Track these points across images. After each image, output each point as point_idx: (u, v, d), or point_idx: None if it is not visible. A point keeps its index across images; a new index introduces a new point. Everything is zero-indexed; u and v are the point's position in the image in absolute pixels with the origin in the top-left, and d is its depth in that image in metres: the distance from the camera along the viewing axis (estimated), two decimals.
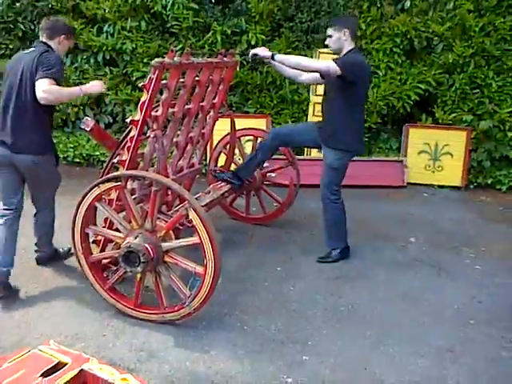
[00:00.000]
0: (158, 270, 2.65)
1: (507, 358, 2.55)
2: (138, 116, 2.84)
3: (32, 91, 2.79)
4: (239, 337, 2.65)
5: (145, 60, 5.81)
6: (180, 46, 5.76)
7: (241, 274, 3.38)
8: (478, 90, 5.58)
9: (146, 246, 2.55)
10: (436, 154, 5.70)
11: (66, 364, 2.21)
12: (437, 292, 3.22)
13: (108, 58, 5.94)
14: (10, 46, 6.21)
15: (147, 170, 3.04)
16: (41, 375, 2.12)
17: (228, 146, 4.08)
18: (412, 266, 3.62)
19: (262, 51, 3.34)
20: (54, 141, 6.33)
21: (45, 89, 2.73)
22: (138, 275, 2.66)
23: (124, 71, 6.02)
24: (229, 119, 3.95)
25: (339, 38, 3.27)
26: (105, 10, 5.80)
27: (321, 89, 5.74)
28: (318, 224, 3.90)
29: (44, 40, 3.02)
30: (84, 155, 6.04)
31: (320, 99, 5.67)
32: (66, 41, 3.09)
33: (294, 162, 4.13)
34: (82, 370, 2.18)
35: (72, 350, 2.33)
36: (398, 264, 3.65)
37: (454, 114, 5.61)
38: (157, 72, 2.75)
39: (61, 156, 6.07)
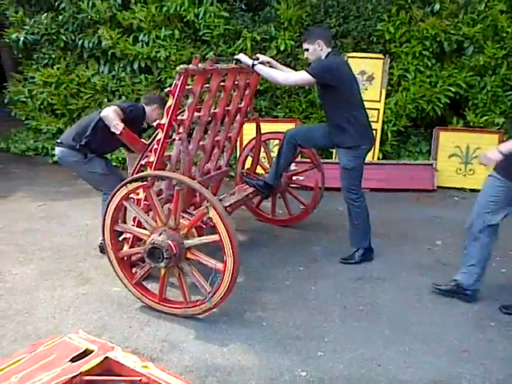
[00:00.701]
0: (181, 266, 2.78)
1: None
2: (164, 120, 2.99)
3: None
4: (258, 332, 2.74)
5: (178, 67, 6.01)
6: (211, 52, 5.95)
7: (263, 273, 3.47)
8: (510, 93, 5.50)
9: (170, 242, 2.68)
10: (467, 157, 5.62)
11: (92, 351, 2.38)
12: None
13: (143, 65, 6.20)
14: (53, 56, 6.57)
15: (174, 171, 3.19)
16: (70, 360, 2.30)
17: (254, 150, 4.19)
18: (436, 268, 3.61)
19: (244, 58, 3.39)
20: None
21: None
22: (162, 271, 2.80)
23: (158, 78, 6.26)
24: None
25: (315, 50, 3.38)
26: (140, 20, 6.05)
27: None
28: (344, 226, 3.93)
29: None
30: (120, 159, 6.30)
31: None
32: None
33: (319, 165, 4.19)
34: (106, 357, 2.34)
35: (98, 339, 2.50)
36: (421, 266, 3.64)
37: (485, 117, 5.54)
38: (181, 78, 2.89)
39: None
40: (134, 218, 3.12)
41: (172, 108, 2.94)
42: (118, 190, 2.80)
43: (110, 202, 2.84)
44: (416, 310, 3.00)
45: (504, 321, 2.89)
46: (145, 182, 2.74)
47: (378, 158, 5.80)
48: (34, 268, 3.48)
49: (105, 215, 2.88)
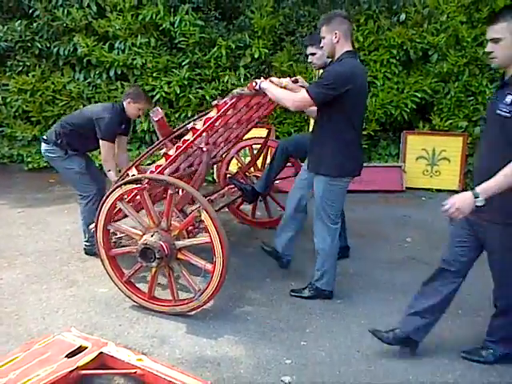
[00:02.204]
0: (171, 266, 2.90)
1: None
2: (199, 125, 2.95)
3: None
4: (243, 326, 2.89)
5: (154, 74, 6.15)
6: (187, 60, 6.08)
7: (246, 271, 3.62)
8: (472, 98, 5.82)
9: (161, 243, 2.79)
10: (433, 159, 5.93)
11: (86, 347, 2.48)
12: None
13: (119, 72, 6.28)
14: (28, 63, 6.56)
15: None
16: (65, 356, 2.39)
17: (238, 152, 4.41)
18: (407, 263, 3.84)
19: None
20: None
21: None
22: (153, 270, 2.91)
23: None
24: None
25: (322, 55, 3.29)
26: (116, 28, 6.13)
27: None
28: None
29: None
30: (97, 165, 6.33)
31: None
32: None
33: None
34: (101, 352, 2.45)
35: (91, 336, 2.60)
36: (393, 262, 3.87)
37: (450, 121, 5.85)
38: (234, 100, 2.83)
39: None
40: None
41: (213, 120, 2.90)
42: (114, 190, 2.89)
43: (104, 201, 2.94)
44: (389, 302, 3.21)
45: (470, 309, 3.12)
46: (139, 185, 2.83)
47: None
48: (19, 272, 3.53)
49: (98, 214, 2.97)
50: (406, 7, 5.92)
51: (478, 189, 2.05)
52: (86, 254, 3.83)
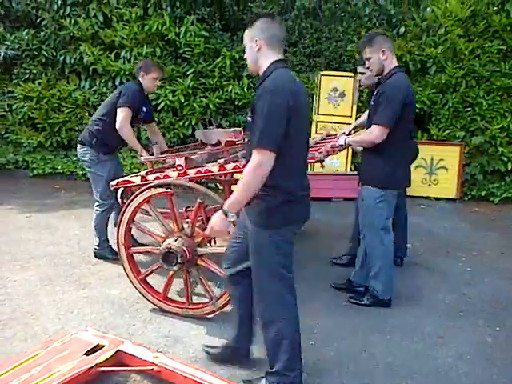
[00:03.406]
0: (190, 270, 2.96)
1: (491, 342, 2.87)
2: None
3: None
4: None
5: (159, 83, 6.25)
6: (192, 70, 6.22)
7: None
8: (469, 108, 5.99)
9: (184, 248, 2.85)
10: (432, 168, 6.08)
11: (103, 346, 2.56)
12: (430, 290, 3.55)
13: (125, 81, 6.39)
14: (34, 71, 6.69)
15: None
16: (84, 354, 2.48)
17: None
18: (408, 268, 3.96)
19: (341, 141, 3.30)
20: (74, 159, 6.73)
21: None
22: (171, 272, 2.97)
23: None
24: None
25: (371, 75, 3.44)
26: (122, 38, 6.27)
27: (324, 108, 6.19)
28: (322, 234, 4.24)
29: None
30: None
31: (322, 118, 6.11)
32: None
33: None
34: (118, 350, 2.53)
35: (107, 335, 2.69)
36: (396, 267, 3.97)
37: (447, 131, 6.02)
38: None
39: (80, 172, 6.51)
40: None
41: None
42: (143, 191, 2.94)
43: (131, 201, 2.98)
44: (393, 304, 3.31)
45: (470, 311, 3.24)
46: (169, 190, 2.90)
47: (350, 169, 6.18)
48: (32, 275, 3.62)
49: (123, 213, 3.02)
50: (405, 21, 6.11)
51: (225, 206, 2.09)
52: (96, 257, 3.92)
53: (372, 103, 3.14)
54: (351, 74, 6.13)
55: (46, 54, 6.54)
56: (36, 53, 6.59)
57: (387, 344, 2.81)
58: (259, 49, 2.18)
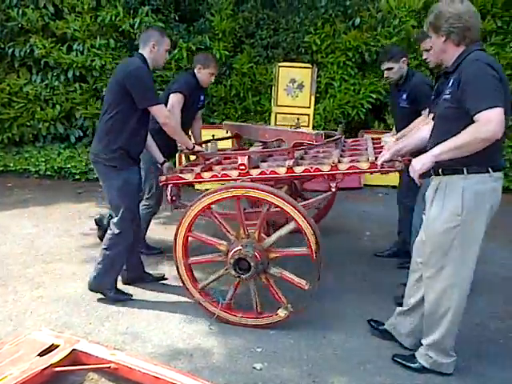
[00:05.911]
0: (258, 278, 2.82)
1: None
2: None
3: None
4: (213, 319, 2.95)
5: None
6: None
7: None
8: None
9: (256, 254, 2.71)
10: None
11: (58, 345, 2.48)
12: (387, 273, 3.63)
13: (78, 74, 6.21)
14: None
15: None
16: (38, 354, 2.39)
17: None
18: (366, 254, 4.04)
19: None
20: (26, 155, 6.54)
21: None
22: (236, 281, 2.84)
23: (94, 87, 6.31)
24: None
25: (399, 69, 3.47)
26: (74, 30, 6.07)
27: (282, 99, 6.19)
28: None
29: None
30: (55, 168, 6.26)
31: (281, 109, 6.10)
32: None
33: None
34: (74, 349, 2.46)
35: (62, 334, 2.61)
36: (354, 254, 4.05)
37: None
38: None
39: (33, 169, 6.30)
40: None
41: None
42: (209, 194, 2.74)
43: (191, 207, 2.78)
44: (350, 288, 3.37)
45: None
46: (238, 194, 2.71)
47: None
48: None
49: (181, 221, 2.83)
50: (360, 12, 6.18)
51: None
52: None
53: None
54: (309, 66, 6.15)
55: None
56: None
57: (347, 331, 2.85)
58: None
